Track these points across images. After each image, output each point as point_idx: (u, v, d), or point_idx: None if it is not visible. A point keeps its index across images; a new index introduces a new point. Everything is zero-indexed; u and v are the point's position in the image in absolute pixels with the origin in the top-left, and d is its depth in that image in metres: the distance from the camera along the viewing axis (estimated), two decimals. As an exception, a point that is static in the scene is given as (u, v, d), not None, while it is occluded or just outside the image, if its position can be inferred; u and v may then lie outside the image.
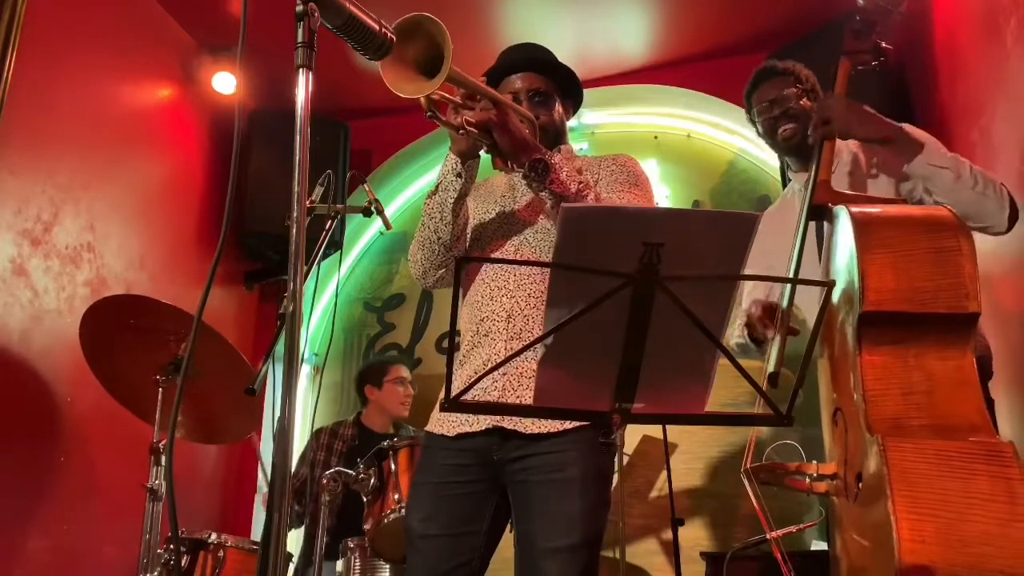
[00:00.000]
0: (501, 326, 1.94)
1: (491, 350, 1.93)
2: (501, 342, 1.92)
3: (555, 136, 2.13)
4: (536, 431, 1.85)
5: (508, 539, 2.00)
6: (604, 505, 1.90)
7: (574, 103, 2.25)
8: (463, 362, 2.01)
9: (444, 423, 1.96)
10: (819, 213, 2.01)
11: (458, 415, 1.93)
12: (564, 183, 1.86)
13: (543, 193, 1.88)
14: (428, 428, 2.02)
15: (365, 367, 3.87)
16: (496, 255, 2.01)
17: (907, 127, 2.22)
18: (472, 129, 1.84)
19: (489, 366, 1.88)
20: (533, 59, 2.17)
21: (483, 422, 1.89)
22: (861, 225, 1.71)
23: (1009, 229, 2.07)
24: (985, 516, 1.41)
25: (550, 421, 1.84)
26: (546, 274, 1.91)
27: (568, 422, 1.84)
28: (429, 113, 1.80)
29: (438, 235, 2.01)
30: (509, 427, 1.86)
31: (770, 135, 2.40)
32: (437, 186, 1.99)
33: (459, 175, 1.94)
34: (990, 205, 2.04)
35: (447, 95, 1.84)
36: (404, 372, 3.73)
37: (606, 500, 1.92)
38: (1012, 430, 2.39)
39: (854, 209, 1.76)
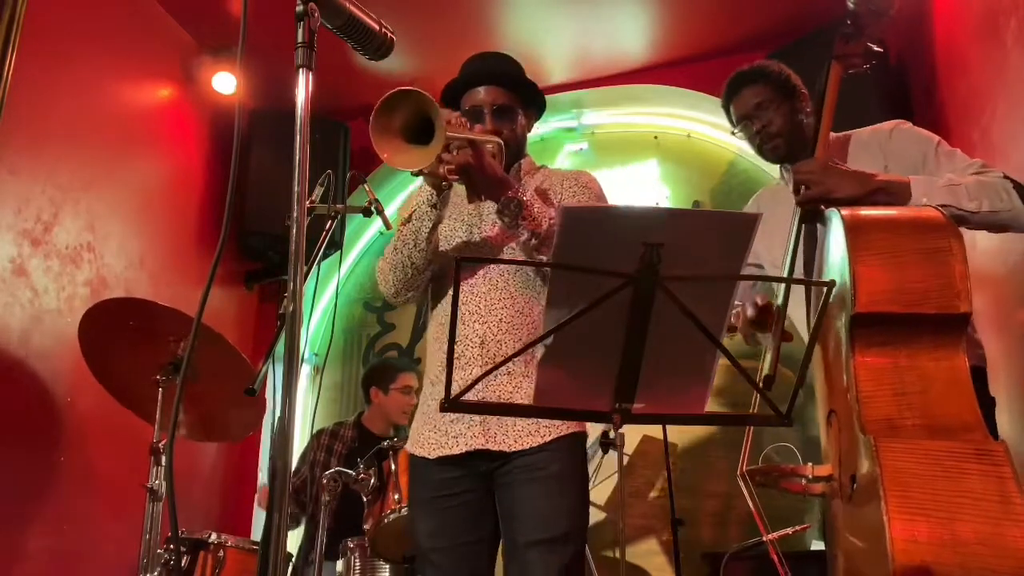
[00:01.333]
0: (475, 352, 1.99)
1: (466, 374, 1.95)
2: (477, 368, 1.96)
3: (516, 149, 2.18)
4: (518, 448, 1.91)
5: (502, 539, 2.03)
6: (584, 503, 1.97)
7: (536, 112, 2.28)
8: (435, 383, 2.06)
9: (425, 445, 2.01)
10: (812, 216, 2.01)
11: (437, 437, 1.98)
12: (536, 220, 1.91)
13: (515, 230, 1.93)
14: (409, 449, 2.07)
15: (376, 367, 3.86)
16: (466, 276, 2.05)
17: (899, 129, 2.20)
18: (454, 177, 1.91)
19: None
20: (497, 73, 2.19)
21: (462, 445, 1.94)
22: (852, 228, 1.72)
23: None
24: (977, 515, 1.42)
25: (531, 437, 1.91)
26: (515, 298, 2.01)
27: (549, 434, 1.92)
28: (415, 171, 1.88)
29: (412, 260, 2.06)
30: (495, 449, 1.92)
31: (758, 152, 2.34)
32: (411, 215, 2.05)
33: (434, 206, 2.01)
34: (1004, 217, 1.95)
35: None
36: (412, 381, 3.72)
37: (585, 498, 1.98)
38: (1012, 430, 2.39)
39: (845, 212, 1.77)
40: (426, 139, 1.76)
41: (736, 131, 2.36)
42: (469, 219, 2.16)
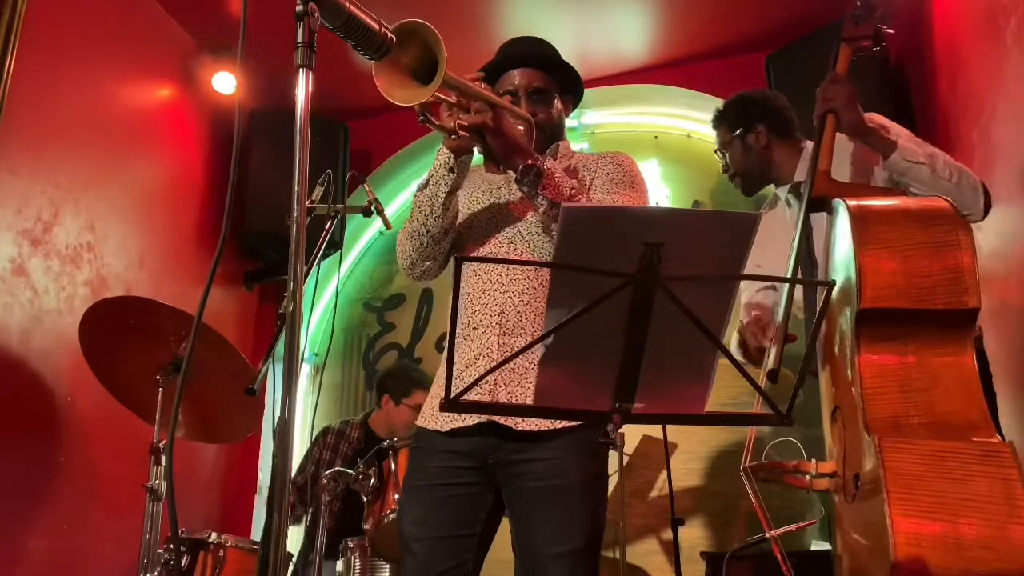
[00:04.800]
0: (494, 320, 1.93)
1: (483, 343, 1.92)
2: (494, 336, 1.91)
3: (552, 133, 2.12)
4: (529, 429, 1.84)
5: (503, 540, 1.99)
6: (603, 507, 1.91)
7: (574, 98, 2.23)
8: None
9: (437, 418, 1.94)
10: (819, 205, 1.99)
11: None
12: (557, 189, 1.85)
13: (536, 199, 1.88)
14: (420, 423, 2.00)
15: (395, 375, 3.83)
16: (488, 247, 2.00)
17: (895, 125, 2.23)
18: (465, 133, 1.83)
19: (480, 359, 1.90)
20: (533, 55, 2.14)
21: (474, 417, 1.87)
22: (858, 220, 1.69)
23: (984, 216, 2.11)
24: (982, 518, 1.40)
25: (540, 421, 1.84)
26: (540, 269, 1.93)
27: (560, 422, 1.83)
28: (422, 117, 1.78)
29: (427, 228, 1.99)
30: (501, 423, 1.85)
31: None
32: (428, 179, 1.98)
33: (451, 170, 1.92)
34: (967, 195, 2.06)
35: (441, 96, 1.82)
36: (424, 400, 3.71)
37: (604, 501, 1.93)
38: (1012, 430, 2.38)
39: (852, 203, 1.74)
40: (432, 81, 1.68)
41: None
42: (497, 192, 2.09)
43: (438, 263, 2.08)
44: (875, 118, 2.21)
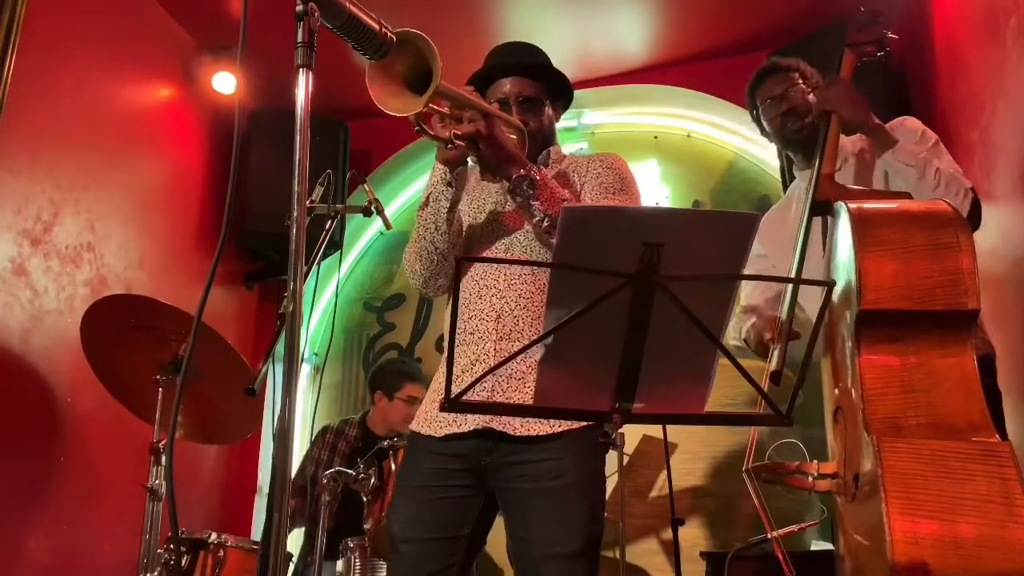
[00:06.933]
0: (490, 325, 1.93)
1: (479, 348, 1.91)
2: (490, 342, 1.91)
3: (543, 141, 2.12)
4: (526, 433, 1.83)
5: (502, 541, 1.98)
6: (601, 506, 1.90)
7: (563, 104, 2.23)
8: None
9: (432, 423, 1.94)
10: (822, 208, 2.00)
11: (446, 415, 1.89)
12: (550, 199, 1.85)
13: (529, 209, 1.88)
14: (414, 427, 1.99)
15: (385, 370, 3.83)
16: (485, 254, 2.00)
17: (907, 119, 2.24)
18: (460, 142, 1.83)
19: (477, 364, 1.89)
20: (523, 63, 2.15)
21: (471, 422, 1.87)
22: (859, 222, 1.71)
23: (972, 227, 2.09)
24: (981, 518, 1.41)
25: (540, 423, 1.84)
26: (537, 274, 1.95)
27: (559, 424, 1.83)
28: (417, 127, 1.79)
29: (435, 245, 1.99)
30: (498, 428, 1.85)
31: (778, 132, 2.38)
32: (427, 197, 1.98)
33: (449, 184, 1.93)
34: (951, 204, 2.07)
35: (434, 106, 1.82)
36: (417, 392, 3.67)
37: (602, 500, 1.92)
38: (1012, 430, 2.38)
39: (853, 206, 1.75)
40: (425, 91, 1.68)
41: (756, 111, 2.44)
42: (496, 198, 2.09)
43: (450, 277, 2.08)
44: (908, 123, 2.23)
